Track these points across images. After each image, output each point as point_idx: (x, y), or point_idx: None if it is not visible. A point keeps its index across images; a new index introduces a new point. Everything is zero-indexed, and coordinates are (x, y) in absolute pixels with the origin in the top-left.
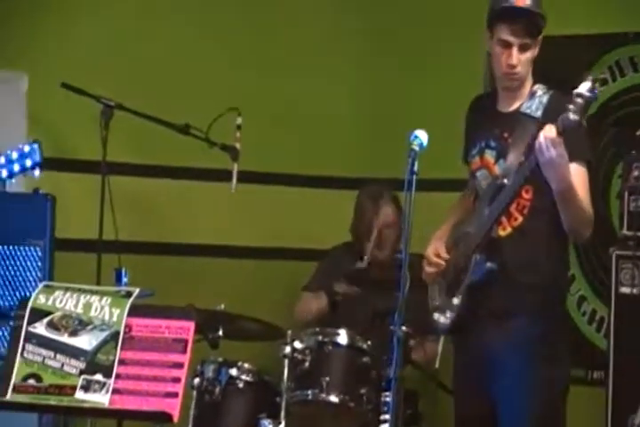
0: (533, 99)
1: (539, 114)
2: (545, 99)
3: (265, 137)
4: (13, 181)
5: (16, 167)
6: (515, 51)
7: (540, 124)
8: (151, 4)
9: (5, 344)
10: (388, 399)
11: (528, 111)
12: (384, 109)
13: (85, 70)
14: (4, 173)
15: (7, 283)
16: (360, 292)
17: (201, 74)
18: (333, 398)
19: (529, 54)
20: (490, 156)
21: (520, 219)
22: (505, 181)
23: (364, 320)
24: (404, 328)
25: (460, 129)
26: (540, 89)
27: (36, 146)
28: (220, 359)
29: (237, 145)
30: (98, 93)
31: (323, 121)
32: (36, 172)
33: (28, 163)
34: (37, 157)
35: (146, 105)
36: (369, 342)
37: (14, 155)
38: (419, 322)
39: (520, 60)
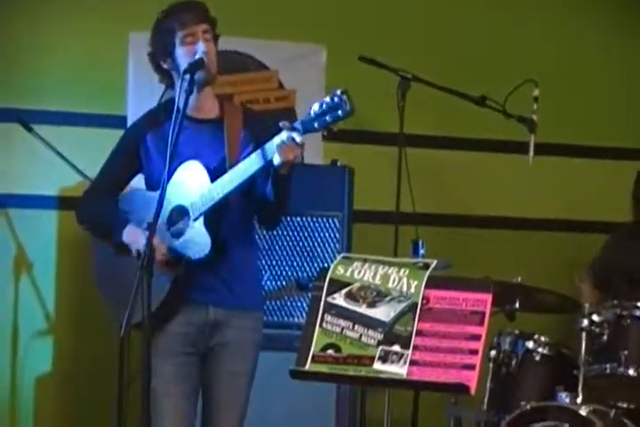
0: None
1: None
2: None
3: (562, 108)
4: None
5: (328, 118)
6: None
7: None
8: None
9: (304, 315)
10: None
11: None
12: None
13: (383, 42)
14: (316, 125)
15: (306, 254)
16: None
17: (499, 45)
18: (632, 372)
19: None
20: None
21: None
22: None
23: None
24: None
25: None
26: None
27: (345, 96)
28: (517, 332)
29: (534, 117)
30: (395, 65)
31: (618, 90)
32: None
33: (340, 113)
34: (348, 107)
35: (443, 77)
36: None
37: (324, 106)
38: None
39: None
